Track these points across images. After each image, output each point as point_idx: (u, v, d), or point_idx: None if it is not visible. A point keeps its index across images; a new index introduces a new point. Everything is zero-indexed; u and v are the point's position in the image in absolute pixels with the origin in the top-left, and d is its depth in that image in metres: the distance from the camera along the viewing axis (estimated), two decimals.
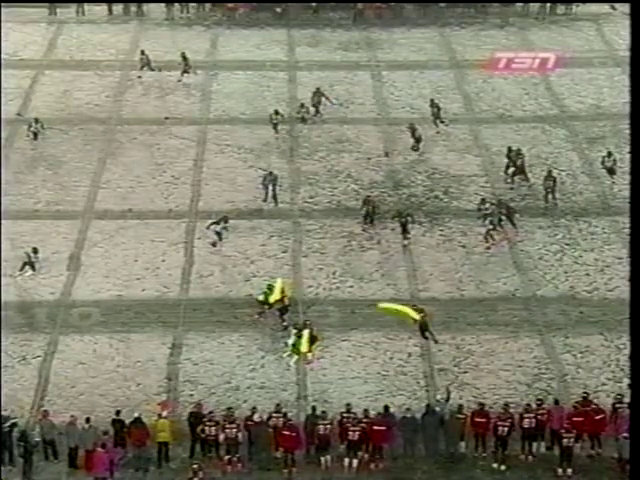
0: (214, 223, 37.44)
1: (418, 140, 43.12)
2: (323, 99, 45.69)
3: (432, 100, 45.55)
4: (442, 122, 44.70)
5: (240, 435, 28.89)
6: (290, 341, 32.78)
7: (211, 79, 49.45)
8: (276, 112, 44.44)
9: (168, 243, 37.95)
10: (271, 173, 40.26)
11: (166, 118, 45.91)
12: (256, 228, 38.81)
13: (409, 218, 37.95)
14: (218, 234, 37.43)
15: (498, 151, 43.33)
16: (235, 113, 46.55)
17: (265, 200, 39.98)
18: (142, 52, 49.33)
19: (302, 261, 37.15)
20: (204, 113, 46.75)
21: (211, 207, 39.82)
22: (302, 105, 45.53)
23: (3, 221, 38.19)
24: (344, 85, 48.93)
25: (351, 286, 35.92)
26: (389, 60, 51.45)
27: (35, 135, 43.68)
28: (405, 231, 37.79)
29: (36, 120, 43.82)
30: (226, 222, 37.57)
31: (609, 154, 41.17)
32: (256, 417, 29.14)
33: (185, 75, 48.58)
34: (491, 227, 37.67)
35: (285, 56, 52.01)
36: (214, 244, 37.43)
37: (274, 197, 40.00)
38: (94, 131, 44.89)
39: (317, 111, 45.61)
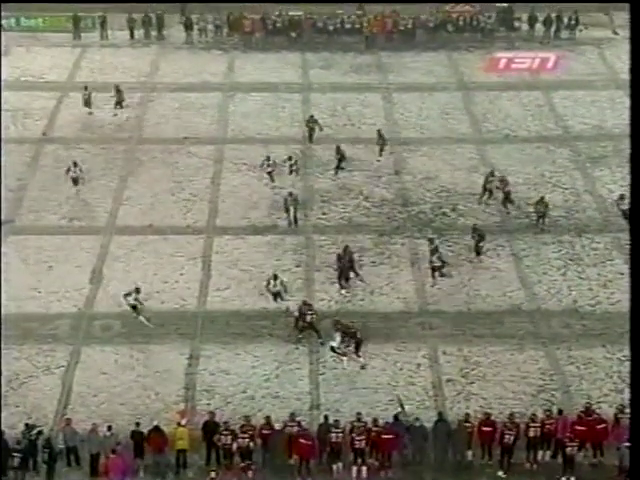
0: (127, 295, 34.65)
1: (341, 160, 43.10)
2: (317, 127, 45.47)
3: (378, 131, 44.64)
4: (382, 151, 44.28)
5: (252, 444, 28.88)
6: (334, 344, 32.79)
7: (228, 100, 49.60)
8: (289, 158, 42.88)
9: (186, 258, 38.02)
10: (291, 194, 39.88)
11: (185, 138, 46.06)
12: (271, 243, 38.84)
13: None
14: (134, 307, 34.59)
15: (504, 170, 43.30)
16: (251, 133, 46.66)
17: (290, 224, 39.59)
18: (85, 88, 47.69)
19: (315, 275, 37.17)
20: (221, 133, 46.87)
21: (228, 223, 39.91)
22: (311, 117, 45.57)
23: (29, 236, 38.43)
24: (356, 106, 49.04)
25: (362, 299, 35.92)
26: (399, 82, 51.54)
27: (75, 181, 41.48)
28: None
29: (75, 164, 41.36)
30: (138, 293, 34.59)
31: (622, 197, 39.59)
32: (273, 425, 29.12)
33: (119, 107, 47.80)
34: (438, 264, 36.62)
35: (299, 78, 52.16)
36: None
37: (295, 218, 39.68)
38: (116, 150, 45.03)
39: (310, 138, 45.29)
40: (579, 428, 28.93)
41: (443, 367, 33.01)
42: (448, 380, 32.47)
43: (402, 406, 30.36)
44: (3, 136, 44.51)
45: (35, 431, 29.16)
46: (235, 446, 28.82)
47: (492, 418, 29.56)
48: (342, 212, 40.93)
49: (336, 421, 29.33)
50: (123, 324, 34.66)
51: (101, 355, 33.41)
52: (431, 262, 36.76)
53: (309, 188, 42.41)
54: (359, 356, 33.01)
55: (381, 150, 44.37)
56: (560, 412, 29.73)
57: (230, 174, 43.33)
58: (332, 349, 33.08)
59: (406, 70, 52.87)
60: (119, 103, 47.87)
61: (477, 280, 36.98)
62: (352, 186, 42.60)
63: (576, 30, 56.57)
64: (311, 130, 45.25)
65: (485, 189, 41.02)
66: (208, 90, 50.41)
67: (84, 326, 34.70)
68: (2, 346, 32.82)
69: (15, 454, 28.45)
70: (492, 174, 41.15)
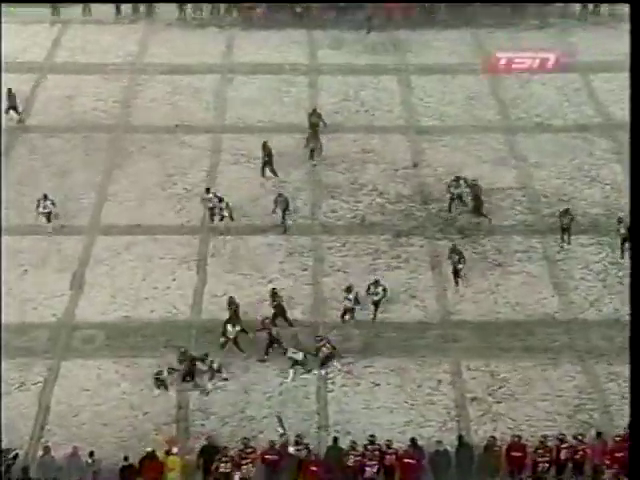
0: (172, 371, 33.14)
1: (268, 158, 42.45)
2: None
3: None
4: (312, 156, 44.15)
5: (255, 470, 28.96)
6: (295, 356, 33.06)
7: (226, 84, 49.67)
8: (220, 199, 40.53)
9: (179, 260, 38.09)
10: (281, 195, 39.93)
11: (177, 126, 46.13)
12: (274, 244, 38.92)
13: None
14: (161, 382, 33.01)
15: (536, 162, 43.38)
16: (252, 120, 46.72)
17: (285, 231, 39.64)
18: (9, 91, 46.15)
19: (323, 281, 37.26)
20: (218, 120, 46.96)
21: (225, 222, 39.89)
22: (314, 111, 45.43)
23: (2, 237, 38.46)
24: (369, 90, 49.08)
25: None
26: (418, 64, 51.54)
27: (48, 217, 39.17)
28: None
29: (45, 197, 38.97)
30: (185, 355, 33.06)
31: (619, 221, 38.88)
32: (278, 450, 29.18)
33: (12, 112, 46.01)
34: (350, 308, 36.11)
35: (306, 59, 52.18)
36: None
37: (283, 223, 39.59)
38: (100, 139, 45.12)
39: (315, 133, 44.73)
40: (618, 454, 28.92)
41: (467, 384, 33.05)
42: (473, 399, 32.51)
43: (282, 426, 30.41)
44: None
45: (11, 455, 29.22)
46: (238, 476, 28.86)
47: (522, 442, 29.56)
48: (354, 210, 40.98)
49: (354, 442, 29.44)
50: (107, 335, 34.76)
51: (83, 370, 33.46)
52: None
53: (317, 183, 42.45)
54: (322, 368, 33.22)
55: (312, 153, 43.82)
56: (598, 434, 29.74)
57: (228, 167, 43.38)
58: (292, 361, 33.19)
59: (426, 50, 52.85)
60: (12, 108, 45.98)
61: (505, 286, 37.03)
62: (365, 181, 42.66)
63: (618, 5, 56.35)
64: (314, 126, 44.96)
65: (452, 198, 40.69)
66: (204, 72, 50.47)
67: (64, 337, 34.78)
68: None
69: None
70: (457, 180, 40.65)
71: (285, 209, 39.63)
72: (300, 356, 32.99)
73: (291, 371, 33.04)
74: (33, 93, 48.21)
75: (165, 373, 32.71)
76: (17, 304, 35.89)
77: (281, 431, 30.20)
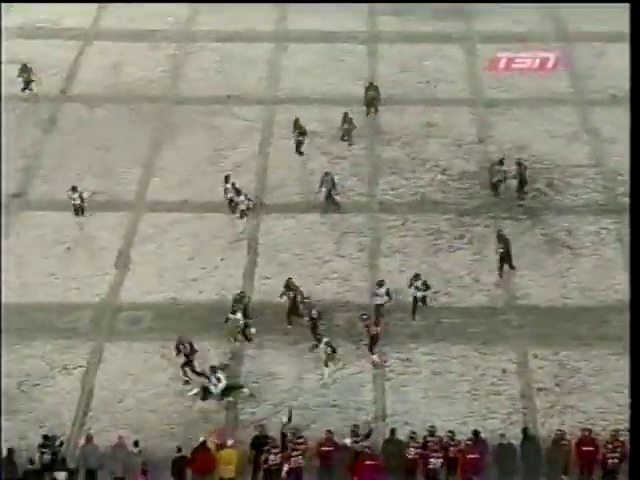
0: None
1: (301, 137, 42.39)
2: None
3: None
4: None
5: (303, 462, 29.03)
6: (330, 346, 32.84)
7: (280, 52, 49.60)
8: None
9: (228, 240, 38.21)
10: (327, 174, 39.72)
11: (229, 97, 46.17)
12: (328, 223, 38.89)
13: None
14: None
15: (612, 138, 42.89)
16: (306, 91, 46.63)
17: (335, 202, 39.59)
18: (24, 66, 45.69)
19: (381, 262, 37.20)
20: (271, 91, 46.93)
21: (277, 199, 39.96)
22: (371, 85, 45.06)
23: (45, 212, 38.95)
24: (432, 60, 48.77)
25: (437, 291, 35.80)
26: (486, 31, 51.06)
27: (76, 210, 39.22)
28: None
29: (74, 188, 38.89)
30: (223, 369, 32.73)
31: None
32: (335, 441, 29.28)
33: (29, 89, 45.60)
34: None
35: (364, 26, 51.92)
36: None
37: (334, 201, 39.52)
38: (147, 110, 45.32)
39: (375, 109, 44.72)
40: None
41: (534, 374, 32.90)
42: (540, 389, 32.36)
43: (290, 418, 30.29)
44: (15, 93, 45.20)
45: (58, 442, 29.52)
46: (286, 468, 28.90)
47: (593, 435, 29.36)
48: (414, 187, 40.84)
49: (413, 433, 29.41)
50: (154, 317, 35.00)
51: (128, 353, 33.76)
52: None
53: (376, 158, 42.33)
54: (373, 354, 33.17)
55: (344, 137, 43.37)
56: None
57: (281, 140, 43.33)
58: (328, 344, 32.75)
59: (494, 17, 52.28)
60: (28, 84, 45.61)
61: (576, 270, 36.76)
62: (427, 156, 42.48)
63: None
64: (371, 100, 44.65)
65: (495, 185, 40.21)
66: (256, 40, 50.41)
67: (108, 319, 35.07)
68: (10, 342, 33.43)
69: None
70: (501, 162, 40.11)
71: (331, 189, 39.52)
72: (333, 347, 32.69)
73: (326, 370, 32.83)
74: (77, 61, 48.47)
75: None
76: (60, 283, 36.24)
77: (285, 420, 30.17)
